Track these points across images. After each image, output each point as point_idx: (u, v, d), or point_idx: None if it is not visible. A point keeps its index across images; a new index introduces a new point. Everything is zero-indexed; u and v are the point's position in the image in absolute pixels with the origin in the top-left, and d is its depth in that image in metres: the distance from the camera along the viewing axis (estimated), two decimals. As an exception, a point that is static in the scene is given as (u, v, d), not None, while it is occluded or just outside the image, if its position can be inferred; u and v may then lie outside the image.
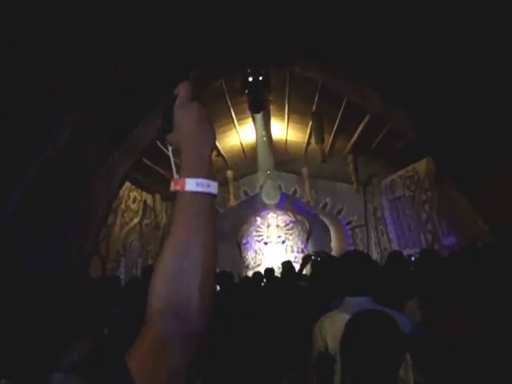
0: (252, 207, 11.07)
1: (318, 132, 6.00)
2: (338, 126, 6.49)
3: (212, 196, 0.70)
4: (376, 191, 9.16)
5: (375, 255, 9.46)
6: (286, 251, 11.99)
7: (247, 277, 4.04)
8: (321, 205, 10.10)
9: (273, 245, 12.07)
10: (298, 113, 6.52)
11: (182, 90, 0.74)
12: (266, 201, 10.71)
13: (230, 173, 8.88)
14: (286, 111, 6.48)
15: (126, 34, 2.72)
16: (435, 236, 8.03)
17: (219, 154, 7.79)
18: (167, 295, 0.64)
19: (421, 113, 2.97)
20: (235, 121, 6.74)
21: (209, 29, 3.11)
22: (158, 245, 9.54)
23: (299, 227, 12.08)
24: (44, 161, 2.64)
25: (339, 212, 10.06)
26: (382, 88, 3.05)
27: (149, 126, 3.75)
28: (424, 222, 8.16)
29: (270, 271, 4.71)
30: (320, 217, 11.29)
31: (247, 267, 11.66)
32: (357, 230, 10.10)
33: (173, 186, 0.70)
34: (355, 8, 2.62)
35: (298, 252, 11.90)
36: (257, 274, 4.66)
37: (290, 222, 12.19)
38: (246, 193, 10.23)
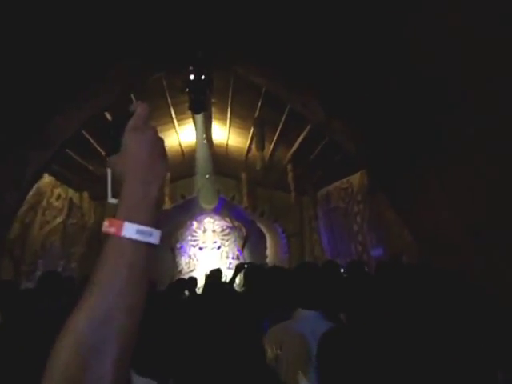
0: (188, 211, 10.75)
1: (259, 139, 5.95)
2: (279, 135, 6.50)
3: (151, 247, 0.59)
4: (312, 201, 9.35)
5: (308, 264, 9.60)
6: (221, 257, 11.82)
7: (172, 285, 3.80)
8: (258, 212, 10.09)
9: (208, 250, 11.83)
10: (240, 117, 6.42)
11: (140, 110, 0.64)
12: (204, 205, 10.47)
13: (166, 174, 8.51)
14: (229, 115, 6.35)
15: (48, 17, 2.42)
16: (364, 247, 8.37)
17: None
18: (76, 374, 0.50)
19: (359, 126, 3.01)
20: (175, 120, 6.46)
21: (146, 20, 2.89)
22: (84, 247, 8.89)
23: (236, 233, 11.98)
24: None
25: (276, 220, 10.12)
26: (323, 98, 3.05)
27: (71, 116, 3.39)
28: (355, 233, 8.46)
29: (192, 280, 4.49)
30: (257, 224, 11.29)
31: (180, 273, 11.27)
32: (292, 238, 10.22)
33: (106, 227, 0.59)
34: (298, 14, 2.57)
35: (232, 258, 11.77)
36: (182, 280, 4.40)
37: (227, 227, 12.05)
38: (182, 196, 9.90)
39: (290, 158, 7.38)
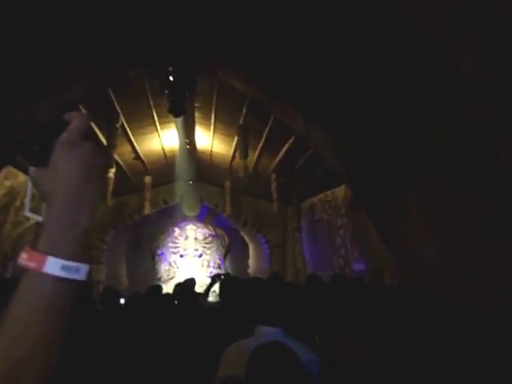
0: (170, 217, 10.53)
1: (243, 147, 5.81)
2: (264, 144, 6.38)
3: (76, 282, 0.52)
4: (296, 212, 9.25)
5: (290, 275, 9.49)
6: (202, 265, 11.59)
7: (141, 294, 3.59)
8: (242, 221, 9.93)
9: (189, 258, 11.59)
10: (224, 124, 6.29)
11: (78, 122, 0.55)
12: (186, 212, 10.28)
13: (148, 178, 8.31)
14: (213, 121, 6.21)
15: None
16: (347, 261, 8.27)
17: (138, 157, 7.24)
18: None
19: (340, 138, 2.91)
20: (157, 123, 6.29)
21: (124, 13, 2.75)
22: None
23: (218, 242, 11.77)
24: None
25: (259, 230, 9.98)
26: (303, 105, 2.93)
27: (35, 107, 3.18)
28: (338, 247, 8.36)
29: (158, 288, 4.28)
30: (240, 233, 11.12)
31: (159, 280, 10.99)
32: (275, 248, 10.08)
33: (24, 260, 0.51)
34: (279, 20, 2.47)
35: (214, 267, 11.55)
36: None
37: (210, 235, 11.84)
38: (165, 201, 9.68)
39: (275, 168, 7.26)
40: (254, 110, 5.24)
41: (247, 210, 9.78)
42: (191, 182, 9.10)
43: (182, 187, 9.22)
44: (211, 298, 5.30)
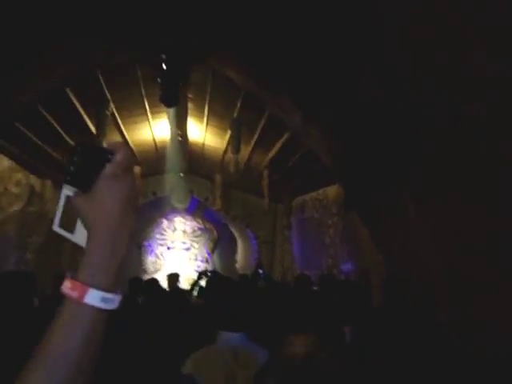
0: (159, 209, 10.37)
1: (235, 141, 5.68)
2: (257, 139, 6.26)
3: (109, 311, 0.56)
4: (287, 210, 9.17)
5: (277, 273, 9.43)
6: (190, 259, 11.48)
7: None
8: (231, 215, 9.83)
9: (176, 251, 11.45)
10: (218, 116, 6.15)
11: (123, 156, 0.58)
12: (176, 204, 10.13)
13: (137, 168, 8.12)
14: (206, 113, 6.06)
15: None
16: (335, 261, 8.23)
17: (126, 145, 7.06)
18: None
19: (336, 137, 2.80)
20: (149, 113, 6.11)
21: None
22: (43, 237, 8.38)
23: (206, 235, 11.65)
24: None
25: (248, 225, 9.89)
26: (300, 101, 2.82)
27: (20, 87, 2.99)
28: (327, 246, 8.31)
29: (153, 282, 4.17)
30: (229, 227, 11.01)
31: (145, 272, 10.84)
32: (263, 245, 10.00)
33: (67, 289, 0.54)
34: (276, 11, 2.35)
35: (201, 261, 11.44)
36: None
37: (198, 228, 11.71)
38: (154, 193, 9.51)
39: (267, 164, 7.15)
40: (249, 104, 5.11)
41: (237, 205, 9.68)
42: (182, 175, 8.95)
43: (172, 179, 9.06)
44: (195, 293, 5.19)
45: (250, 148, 6.69)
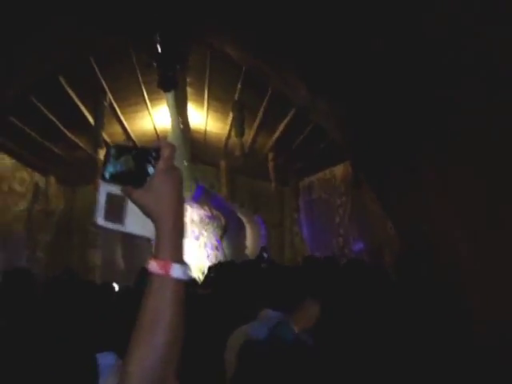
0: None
1: (239, 124, 5.53)
2: (260, 121, 6.10)
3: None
4: (294, 192, 9.05)
5: (287, 256, 9.38)
6: (200, 247, 11.45)
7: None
8: (238, 201, 9.73)
9: (186, 240, 11.41)
10: (218, 100, 5.98)
11: (168, 151, 0.67)
12: (181, 193, 10.05)
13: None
14: (206, 97, 5.90)
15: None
16: (346, 240, 8.14)
17: (129, 138, 6.94)
18: None
19: (347, 110, 2.65)
20: (147, 101, 5.96)
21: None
22: (51, 235, 8.36)
23: (215, 223, 11.58)
24: None
25: (256, 210, 9.79)
26: (306, 72, 2.65)
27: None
28: (337, 226, 8.22)
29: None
30: (237, 214, 10.93)
31: (156, 263, 10.84)
32: (272, 229, 9.92)
33: (155, 268, 0.65)
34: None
35: (211, 249, 11.41)
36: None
37: (206, 216, 11.63)
38: (158, 183, 9.42)
39: (272, 146, 7.00)
40: (250, 85, 4.94)
41: (244, 191, 9.57)
42: (185, 163, 8.83)
43: (177, 168, 8.95)
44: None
45: (253, 131, 6.53)
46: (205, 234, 11.62)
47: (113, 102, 5.44)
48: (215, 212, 11.54)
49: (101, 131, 5.07)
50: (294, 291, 2.35)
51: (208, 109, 6.32)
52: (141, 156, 0.66)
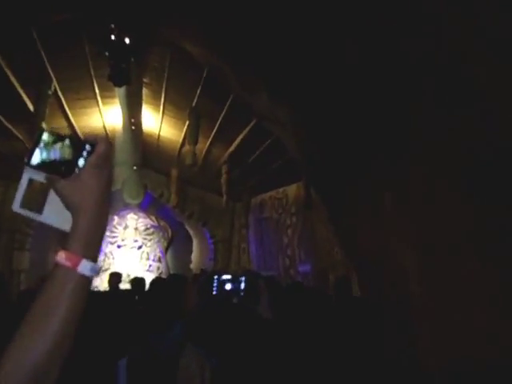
0: (110, 204, 9.70)
1: (193, 131, 5.31)
2: (217, 131, 5.93)
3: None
4: (245, 208, 8.92)
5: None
6: (141, 258, 10.89)
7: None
8: (187, 213, 9.40)
9: (127, 249, 10.82)
10: (175, 106, 5.74)
11: (104, 148, 0.67)
12: (128, 200, 9.52)
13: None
14: (162, 101, 5.64)
15: None
16: (293, 261, 8.09)
17: (74, 133, 6.46)
18: None
19: (307, 123, 2.56)
20: (98, 97, 5.59)
21: None
22: None
23: (160, 234, 11.10)
24: None
25: (205, 224, 9.52)
26: (268, 80, 2.52)
27: None
28: (285, 247, 8.16)
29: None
30: (185, 226, 10.56)
31: (91, 271, 10.12)
32: (220, 244, 9.68)
33: (62, 258, 0.63)
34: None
35: (153, 260, 10.89)
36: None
37: (152, 226, 11.13)
38: (104, 186, 8.87)
39: (227, 159, 6.84)
40: (210, 91, 4.78)
41: (194, 202, 9.28)
42: (135, 168, 8.40)
43: (124, 172, 8.46)
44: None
45: (208, 141, 6.34)
46: (148, 244, 11.09)
47: (58, 91, 5.02)
48: (162, 223, 11.08)
49: (41, 122, 4.62)
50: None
51: (163, 113, 6.06)
52: (75, 146, 0.65)
